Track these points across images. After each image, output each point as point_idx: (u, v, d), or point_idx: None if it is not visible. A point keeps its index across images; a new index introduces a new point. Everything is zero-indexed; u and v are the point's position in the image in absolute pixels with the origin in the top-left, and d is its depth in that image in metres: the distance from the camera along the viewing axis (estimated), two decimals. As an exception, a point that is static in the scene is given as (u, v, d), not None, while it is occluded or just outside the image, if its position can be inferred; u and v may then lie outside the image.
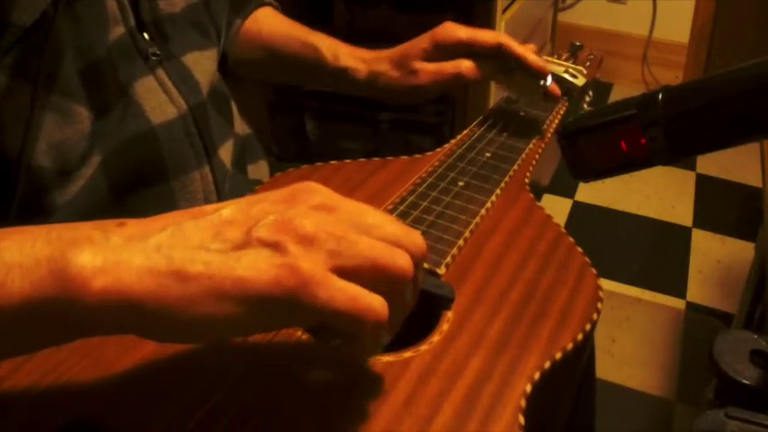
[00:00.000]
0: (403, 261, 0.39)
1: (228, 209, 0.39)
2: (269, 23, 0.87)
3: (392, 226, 0.41)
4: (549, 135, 0.80)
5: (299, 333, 0.52)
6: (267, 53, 0.87)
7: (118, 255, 0.37)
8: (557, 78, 0.86)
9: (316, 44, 0.84)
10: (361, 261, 0.38)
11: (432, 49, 0.79)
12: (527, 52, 0.78)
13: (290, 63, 0.86)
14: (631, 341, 1.67)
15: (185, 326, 0.37)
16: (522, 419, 0.48)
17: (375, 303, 0.38)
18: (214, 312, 0.36)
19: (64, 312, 0.36)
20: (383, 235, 0.40)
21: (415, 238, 0.41)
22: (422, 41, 0.80)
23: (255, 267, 0.36)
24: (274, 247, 0.37)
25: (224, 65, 0.87)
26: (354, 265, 0.38)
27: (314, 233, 0.38)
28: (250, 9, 0.87)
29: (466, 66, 0.79)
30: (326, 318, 0.38)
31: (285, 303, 0.37)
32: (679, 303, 1.78)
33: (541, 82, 0.78)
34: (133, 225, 0.39)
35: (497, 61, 0.79)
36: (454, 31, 0.79)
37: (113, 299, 0.36)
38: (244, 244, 0.37)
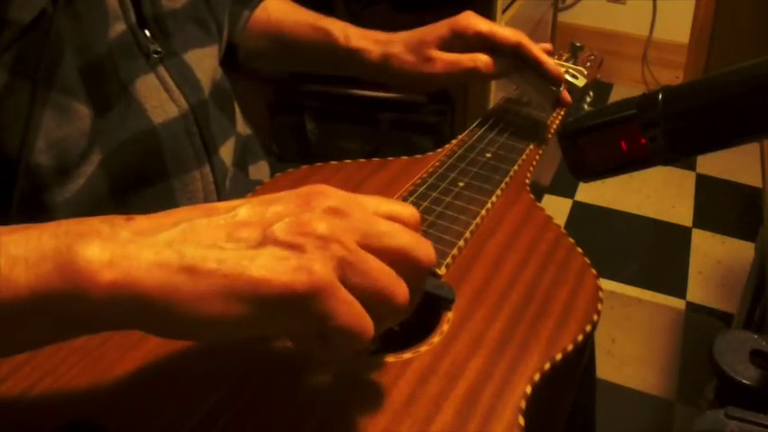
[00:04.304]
0: (401, 296, 0.39)
1: (243, 209, 0.39)
2: (277, 11, 0.87)
3: (404, 236, 0.40)
4: (549, 136, 0.80)
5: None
6: (277, 41, 0.86)
7: (127, 249, 0.36)
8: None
9: (326, 27, 0.83)
10: (364, 280, 0.38)
11: (450, 38, 0.78)
12: (545, 56, 0.78)
13: (301, 49, 0.86)
14: (631, 341, 1.67)
15: (192, 323, 0.36)
16: (521, 420, 0.48)
17: (370, 326, 0.38)
18: (223, 311, 0.36)
19: (70, 306, 0.36)
20: (395, 245, 0.40)
21: (427, 249, 0.41)
22: (440, 28, 0.79)
23: (270, 268, 0.36)
24: (291, 248, 0.37)
25: (234, 60, 0.87)
26: (358, 282, 0.38)
27: (329, 237, 0.38)
28: (257, 0, 0.87)
29: (483, 60, 0.78)
30: (327, 327, 0.37)
31: (295, 305, 0.36)
32: (679, 303, 1.78)
33: (554, 88, 0.78)
34: (142, 220, 0.39)
35: (513, 59, 0.79)
36: (475, 22, 0.78)
37: (122, 293, 0.35)
38: (259, 244, 0.37)
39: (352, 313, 0.37)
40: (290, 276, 0.36)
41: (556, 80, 0.78)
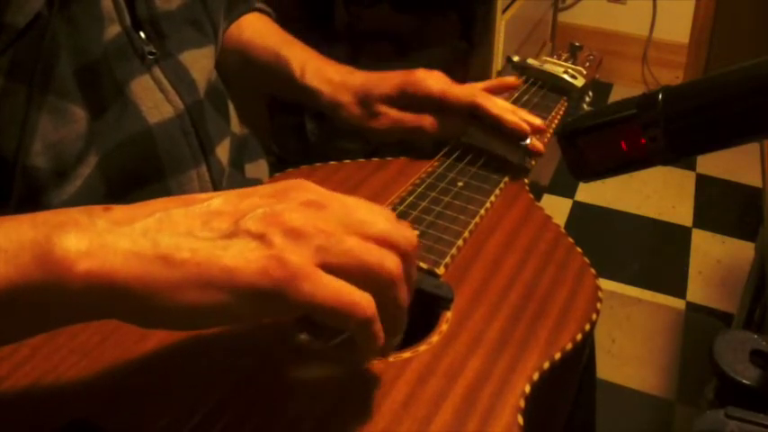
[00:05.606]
0: (390, 262, 0.40)
1: (218, 199, 0.40)
2: (251, 30, 0.85)
3: (383, 222, 0.41)
4: (548, 135, 0.80)
5: (300, 336, 0.52)
6: (242, 60, 0.85)
7: (103, 238, 0.37)
8: (556, 79, 0.86)
9: (287, 57, 0.81)
10: (348, 259, 0.38)
11: (398, 97, 0.76)
12: (504, 112, 0.74)
13: (262, 73, 0.84)
14: (631, 341, 1.67)
15: (169, 312, 0.37)
16: (521, 420, 0.48)
17: (360, 299, 0.38)
18: (198, 299, 0.36)
19: (49, 297, 0.36)
20: (374, 232, 0.40)
21: (406, 233, 0.41)
22: (390, 84, 0.76)
23: (242, 257, 0.37)
24: (261, 238, 0.37)
25: None
26: (341, 262, 0.38)
27: (302, 227, 0.38)
28: (237, 14, 0.86)
29: (428, 122, 0.76)
30: (310, 311, 0.38)
31: (270, 294, 0.37)
32: (679, 303, 1.78)
33: (521, 143, 0.73)
34: (120, 210, 0.39)
35: (468, 119, 0.76)
36: (427, 84, 0.75)
37: (98, 282, 0.36)
38: (231, 234, 0.38)
39: (335, 291, 0.37)
40: (262, 264, 0.37)
41: (519, 135, 0.74)
